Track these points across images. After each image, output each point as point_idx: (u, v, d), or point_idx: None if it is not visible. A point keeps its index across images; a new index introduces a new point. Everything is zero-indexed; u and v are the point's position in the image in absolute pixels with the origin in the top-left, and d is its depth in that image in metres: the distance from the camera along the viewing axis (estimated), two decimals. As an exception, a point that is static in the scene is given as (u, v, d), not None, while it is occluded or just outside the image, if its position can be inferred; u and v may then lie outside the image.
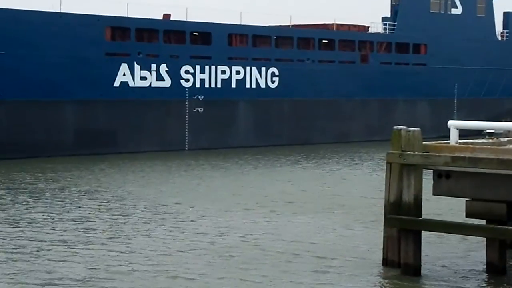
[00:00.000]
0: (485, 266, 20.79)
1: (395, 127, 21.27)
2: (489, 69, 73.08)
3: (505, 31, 76.44)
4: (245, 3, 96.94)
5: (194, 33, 57.18)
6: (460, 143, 21.39)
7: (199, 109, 56.39)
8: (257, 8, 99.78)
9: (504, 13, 77.22)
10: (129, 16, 54.50)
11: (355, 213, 29.73)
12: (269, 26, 63.88)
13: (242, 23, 60.16)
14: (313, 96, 62.14)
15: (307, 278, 20.10)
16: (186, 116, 56.02)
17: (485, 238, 20.70)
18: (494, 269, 20.50)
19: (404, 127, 21.19)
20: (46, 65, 49.68)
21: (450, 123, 21.68)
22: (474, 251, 23.02)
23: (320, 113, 62.46)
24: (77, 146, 50.65)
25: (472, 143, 21.47)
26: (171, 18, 57.09)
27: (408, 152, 20.69)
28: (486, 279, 20.28)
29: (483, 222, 20.61)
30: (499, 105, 74.29)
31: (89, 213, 29.18)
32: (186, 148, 55.69)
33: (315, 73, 62.32)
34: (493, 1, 74.63)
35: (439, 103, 69.82)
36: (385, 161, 21.24)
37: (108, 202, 32.09)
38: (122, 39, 54.60)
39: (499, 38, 75.75)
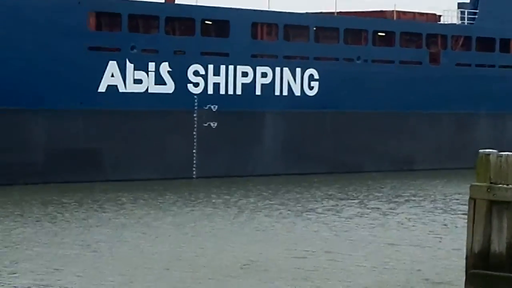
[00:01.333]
0: None
1: (481, 150, 21.07)
2: None
3: None
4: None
5: (207, 22, 56.87)
6: None
7: (211, 124, 56.22)
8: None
9: None
10: (121, -3, 54.57)
11: (421, 268, 29.17)
12: (307, 13, 63.47)
13: (271, 9, 59.81)
14: (364, 108, 61.72)
15: None
16: (194, 133, 55.78)
17: None
18: None
19: (494, 151, 20.95)
20: (9, 63, 49.68)
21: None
22: None
23: (374, 131, 61.92)
24: (49, 172, 50.57)
25: None
26: (176, 1, 57.13)
27: (500, 185, 20.45)
28: None
29: None
30: None
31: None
32: (194, 176, 55.56)
33: (368, 76, 61.84)
34: None
35: (537, 119, 69.55)
36: (468, 197, 20.97)
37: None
38: (110, 29, 54.42)
39: None
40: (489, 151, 21.12)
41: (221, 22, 57.25)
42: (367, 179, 57.20)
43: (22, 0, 50.43)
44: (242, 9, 58.09)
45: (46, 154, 51.17)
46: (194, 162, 55.76)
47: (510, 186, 20.55)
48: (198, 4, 56.92)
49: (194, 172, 55.72)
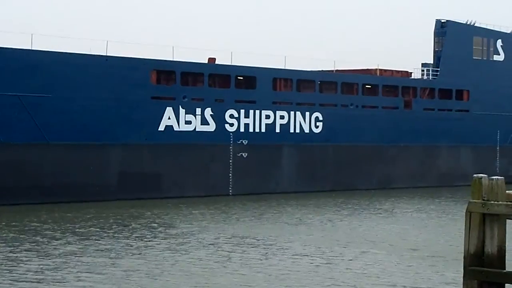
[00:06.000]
0: None
1: (475, 175, 20.82)
2: (532, 115, 72.86)
3: (547, 78, 75.58)
4: (289, 47, 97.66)
5: (239, 77, 57.17)
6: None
7: (243, 154, 56.15)
8: (301, 53, 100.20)
9: (547, 60, 76.24)
10: (175, 59, 54.12)
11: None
12: (313, 70, 63.88)
13: (286, 67, 60.13)
14: (356, 142, 61.89)
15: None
16: (230, 161, 55.68)
17: None
18: None
19: (485, 175, 20.66)
20: (91, 108, 49.43)
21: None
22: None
23: (363, 159, 62.13)
24: (121, 191, 50.18)
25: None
26: (216, 62, 57.21)
27: (492, 202, 20.14)
28: None
29: None
30: (541, 153, 73.69)
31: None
32: (230, 193, 55.27)
33: (359, 118, 62.29)
34: (536, 48, 74.08)
35: (482, 150, 69.46)
36: (465, 210, 20.71)
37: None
38: (167, 83, 54.48)
39: (542, 84, 75.10)
40: (481, 176, 20.85)
41: (250, 78, 57.44)
42: (362, 195, 56.93)
43: (102, 61, 50.40)
44: (265, 68, 58.12)
45: (120, 177, 50.84)
46: (230, 183, 55.55)
47: (500, 202, 20.20)
48: (233, 64, 56.96)
49: (230, 191, 55.50)
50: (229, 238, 34.76)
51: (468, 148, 68.88)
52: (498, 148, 71.05)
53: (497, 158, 70.67)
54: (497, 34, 71.42)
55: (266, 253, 30.77)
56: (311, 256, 30.10)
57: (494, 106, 70.28)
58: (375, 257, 30.05)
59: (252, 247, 32.13)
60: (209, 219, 41.61)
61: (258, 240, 34.24)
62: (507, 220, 20.49)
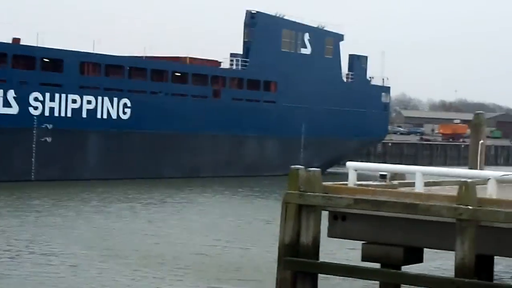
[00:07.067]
0: (381, 311, 20.16)
1: (292, 166, 20.55)
2: (335, 109, 74.42)
3: (350, 72, 78.13)
4: (99, 30, 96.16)
5: (45, 60, 55.58)
6: (358, 185, 21.01)
7: (47, 139, 54.63)
8: (111, 37, 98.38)
9: (350, 55, 78.97)
10: (-26, 37, 52.18)
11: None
12: (123, 56, 62.81)
13: (95, 52, 58.93)
14: (165, 130, 61.36)
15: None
16: (33, 145, 53.99)
17: (379, 282, 20.16)
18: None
19: (302, 167, 20.44)
20: None
21: (349, 164, 21.31)
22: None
23: (171, 147, 61.64)
24: None
25: (372, 186, 21.08)
26: (21, 43, 55.36)
27: (309, 193, 19.94)
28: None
29: (378, 265, 20.12)
30: (343, 145, 75.81)
31: None
32: (32, 179, 53.50)
33: (168, 106, 61.79)
34: (340, 43, 76.17)
35: (287, 141, 70.43)
36: (282, 201, 20.37)
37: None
38: None
39: (345, 80, 77.25)
40: (298, 167, 20.58)
41: (56, 60, 55.94)
42: (167, 184, 56.00)
43: None
44: (73, 51, 56.86)
45: None
46: (33, 168, 53.99)
47: (317, 194, 20.06)
48: (39, 45, 55.42)
49: (32, 176, 53.92)
50: (18, 227, 33.13)
51: (275, 139, 69.65)
52: (302, 139, 72.08)
53: (302, 150, 71.86)
54: (305, 28, 72.57)
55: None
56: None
57: (300, 98, 71.23)
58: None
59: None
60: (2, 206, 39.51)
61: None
62: (322, 211, 20.50)
